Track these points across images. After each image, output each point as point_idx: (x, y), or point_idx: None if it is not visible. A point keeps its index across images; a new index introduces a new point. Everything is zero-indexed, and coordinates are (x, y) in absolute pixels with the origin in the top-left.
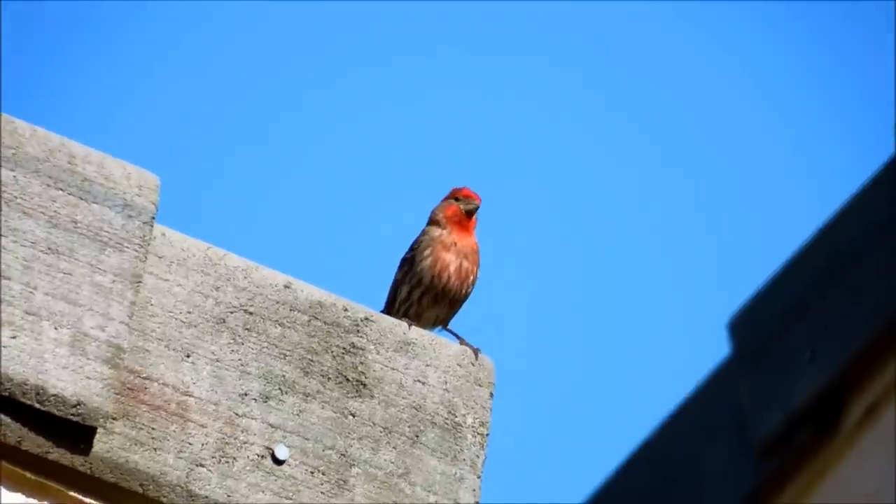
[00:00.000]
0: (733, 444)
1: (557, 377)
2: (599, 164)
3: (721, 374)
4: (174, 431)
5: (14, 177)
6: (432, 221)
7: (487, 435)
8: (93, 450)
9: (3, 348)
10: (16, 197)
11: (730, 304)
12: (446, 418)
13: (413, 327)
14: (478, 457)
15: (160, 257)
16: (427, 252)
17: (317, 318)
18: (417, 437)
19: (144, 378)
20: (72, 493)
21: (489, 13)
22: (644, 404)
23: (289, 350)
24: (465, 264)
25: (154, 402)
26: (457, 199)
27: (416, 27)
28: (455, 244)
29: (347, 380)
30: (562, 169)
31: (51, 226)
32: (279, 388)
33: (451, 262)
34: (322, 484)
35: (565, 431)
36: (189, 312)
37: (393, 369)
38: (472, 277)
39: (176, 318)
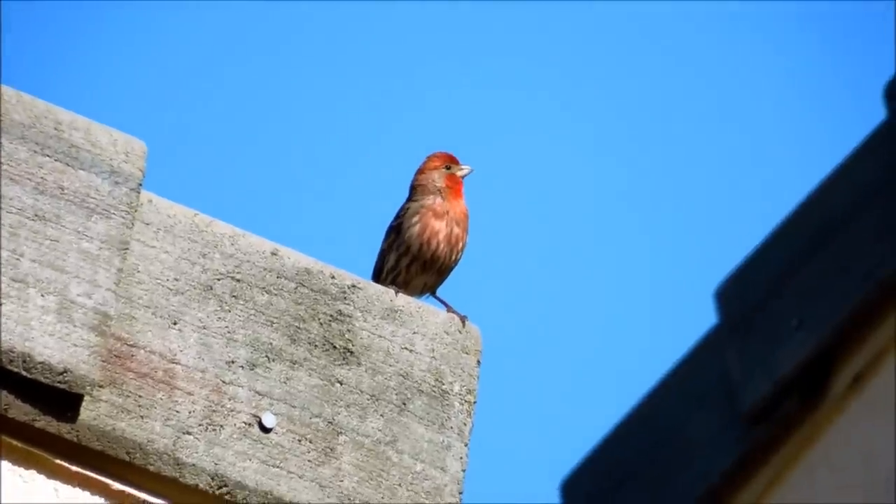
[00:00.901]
0: (721, 413)
1: (545, 345)
2: (587, 129)
3: (708, 343)
4: (161, 399)
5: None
6: (421, 189)
7: (474, 403)
8: (79, 417)
9: None
10: (2, 163)
11: (717, 272)
12: (433, 386)
13: (400, 295)
14: (465, 424)
15: (147, 224)
16: (415, 219)
17: (304, 286)
18: (404, 404)
19: (131, 345)
20: (58, 461)
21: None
22: (632, 373)
23: (276, 317)
24: (456, 230)
25: (141, 369)
26: (448, 168)
27: (406, 7)
28: (448, 212)
29: (335, 347)
30: (548, 133)
31: (37, 192)
32: (266, 356)
33: (440, 229)
34: (309, 452)
35: (553, 399)
36: (176, 279)
37: (380, 337)
38: (461, 244)
39: (163, 286)
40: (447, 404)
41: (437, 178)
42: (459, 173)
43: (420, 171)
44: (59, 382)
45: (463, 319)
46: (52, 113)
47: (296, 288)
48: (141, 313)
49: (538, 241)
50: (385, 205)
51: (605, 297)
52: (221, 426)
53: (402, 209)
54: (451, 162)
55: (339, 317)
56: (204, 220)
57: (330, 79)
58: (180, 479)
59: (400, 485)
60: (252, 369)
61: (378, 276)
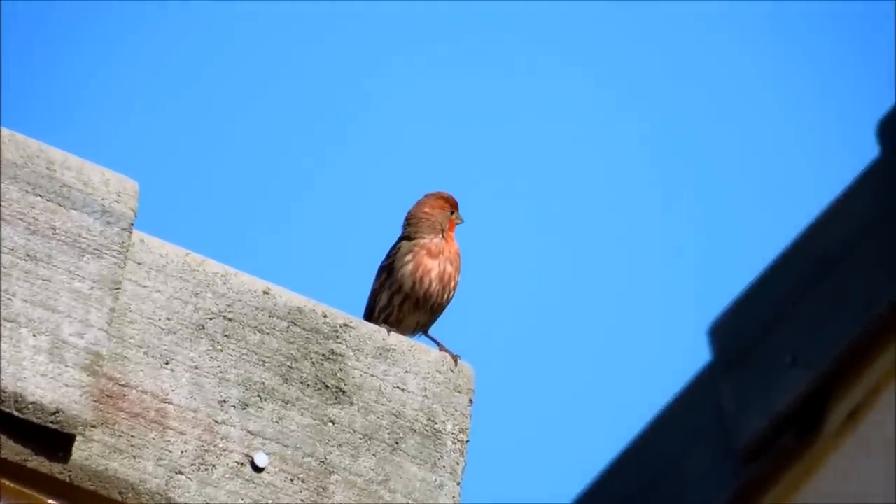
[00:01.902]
0: (716, 449)
1: (537, 384)
2: (580, 167)
3: (703, 380)
4: (153, 439)
5: None
6: (423, 224)
7: (467, 442)
8: (72, 457)
9: None
10: None
11: (711, 309)
12: (426, 425)
13: (392, 333)
14: (458, 464)
15: (139, 263)
16: (408, 258)
17: (296, 325)
18: (397, 443)
19: (123, 385)
20: (50, 501)
21: (473, 21)
22: (626, 410)
23: (268, 357)
24: (449, 269)
25: (133, 409)
26: (452, 213)
27: (397, 33)
28: (442, 251)
29: (327, 386)
30: (542, 172)
31: (29, 232)
32: (258, 395)
33: (433, 267)
34: (301, 491)
35: (546, 438)
36: (168, 319)
37: (372, 376)
38: (453, 283)
39: (155, 325)
40: (440, 443)
41: (443, 219)
42: (457, 221)
43: (425, 205)
44: (51, 422)
45: (455, 358)
46: (44, 152)
47: (288, 327)
48: (133, 353)
49: (529, 280)
50: (376, 243)
51: (599, 334)
52: (214, 466)
53: (393, 248)
54: (455, 208)
55: (331, 356)
56: (196, 260)
57: (320, 120)
58: None
59: None
60: (244, 409)
61: (370, 316)
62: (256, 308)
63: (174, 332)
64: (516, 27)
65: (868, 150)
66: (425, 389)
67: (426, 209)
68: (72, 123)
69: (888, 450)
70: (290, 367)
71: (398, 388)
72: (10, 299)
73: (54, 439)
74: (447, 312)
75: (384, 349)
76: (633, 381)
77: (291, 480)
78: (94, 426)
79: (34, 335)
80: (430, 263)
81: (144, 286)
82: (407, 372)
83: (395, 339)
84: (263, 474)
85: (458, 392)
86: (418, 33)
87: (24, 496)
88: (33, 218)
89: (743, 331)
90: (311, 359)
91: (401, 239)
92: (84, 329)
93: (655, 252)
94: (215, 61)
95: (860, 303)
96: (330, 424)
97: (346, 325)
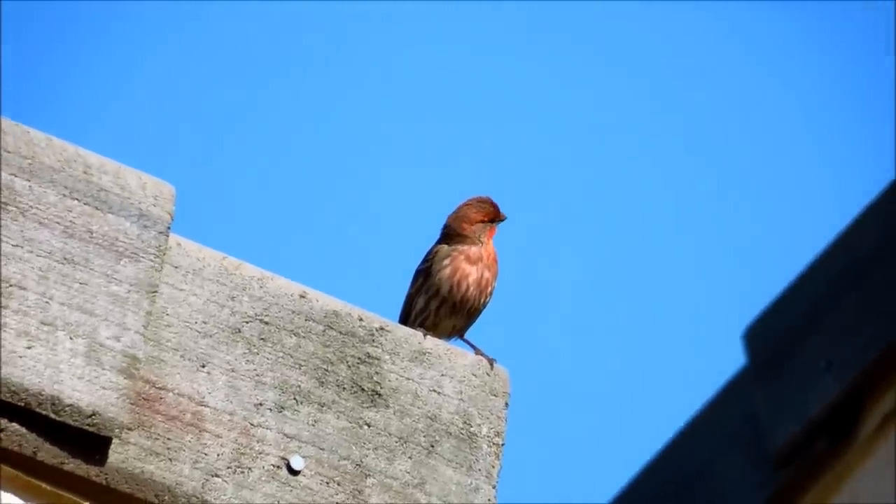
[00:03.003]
0: (749, 454)
1: (573, 387)
2: (617, 171)
3: (736, 384)
4: (189, 442)
5: (29, 187)
6: (461, 238)
7: (503, 445)
8: (108, 460)
9: (19, 358)
10: (31, 207)
11: (745, 314)
12: (461, 428)
13: (428, 337)
14: (493, 467)
15: (176, 267)
16: (446, 262)
17: (332, 328)
18: (433, 447)
19: (160, 388)
20: None
21: (504, 20)
22: (660, 414)
23: (304, 360)
24: (486, 274)
25: (169, 412)
26: (492, 222)
27: (427, 35)
28: (481, 258)
29: (363, 390)
30: (579, 175)
31: (66, 236)
32: (294, 398)
33: (470, 272)
34: (337, 494)
35: (580, 441)
36: (204, 322)
37: (408, 379)
38: (490, 288)
39: (191, 328)
40: (475, 447)
41: (481, 231)
42: (499, 221)
43: (463, 219)
44: (87, 425)
45: (491, 362)
46: (81, 157)
47: (324, 330)
48: (169, 356)
49: (565, 283)
50: (412, 247)
51: (634, 339)
52: (250, 469)
53: (430, 252)
54: (496, 216)
55: (367, 359)
56: (233, 263)
57: (357, 122)
58: None
59: None
60: (280, 412)
61: (406, 320)
62: (293, 311)
63: (210, 336)
64: (547, 26)
65: None
66: (461, 393)
67: (465, 224)
68: (108, 128)
69: None
70: (326, 371)
71: (434, 391)
72: (47, 302)
73: (91, 442)
74: (483, 316)
75: (420, 353)
76: (668, 384)
77: (327, 483)
78: (130, 429)
79: (71, 338)
80: (468, 268)
81: (181, 289)
82: (443, 375)
83: (431, 342)
84: (299, 477)
85: (494, 395)
86: (453, 30)
87: (61, 499)
88: (70, 221)
89: (777, 336)
90: (347, 362)
91: (438, 242)
92: (121, 332)
93: (692, 256)
94: (253, 63)
95: (894, 309)
96: (366, 427)
97: (382, 328)
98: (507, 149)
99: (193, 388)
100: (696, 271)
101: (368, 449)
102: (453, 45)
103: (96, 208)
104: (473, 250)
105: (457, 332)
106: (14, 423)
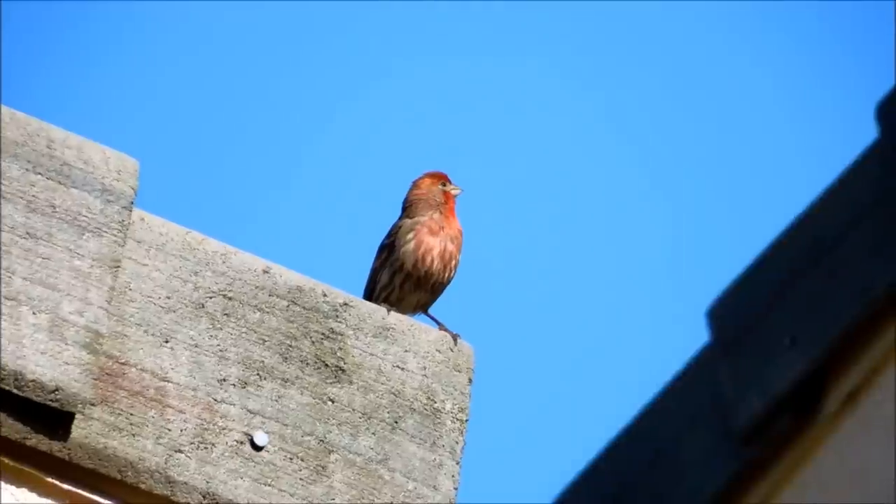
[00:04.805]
0: (713, 432)
1: (536, 363)
2: (579, 145)
3: (701, 362)
4: (153, 417)
5: None
6: (421, 204)
7: (466, 421)
8: (71, 436)
9: None
10: None
11: (709, 290)
12: (425, 404)
13: (392, 312)
14: (457, 443)
15: (139, 242)
16: (410, 236)
17: (296, 304)
18: (396, 423)
19: (123, 363)
20: (49, 479)
21: (482, 9)
22: (624, 391)
23: (267, 335)
24: (450, 247)
25: (132, 387)
26: (444, 185)
27: (396, 12)
28: (443, 228)
29: (326, 365)
30: (542, 149)
31: (29, 210)
32: (258, 374)
33: (434, 245)
34: (301, 470)
35: (544, 417)
36: (168, 297)
37: (372, 355)
38: (454, 262)
39: (154, 304)
40: (439, 423)
41: (437, 194)
42: (453, 192)
43: (417, 187)
44: (50, 400)
45: (455, 337)
46: (44, 131)
47: (288, 306)
48: (133, 331)
49: (530, 260)
50: (376, 221)
51: (598, 316)
52: (213, 444)
53: (394, 227)
54: (445, 181)
55: (330, 335)
56: (196, 238)
57: (320, 95)
58: (172, 498)
59: (392, 503)
60: (244, 387)
61: (370, 295)
62: (256, 287)
63: (174, 311)
64: (519, 16)
65: (867, 132)
66: (425, 368)
67: (416, 190)
68: (72, 102)
69: (888, 431)
70: (290, 346)
71: (398, 367)
72: (9, 277)
73: (54, 417)
74: (447, 292)
75: (384, 328)
76: (632, 361)
77: (291, 459)
78: (93, 404)
79: (34, 313)
80: (431, 241)
81: (144, 264)
82: (406, 351)
83: (395, 318)
84: (263, 453)
85: (458, 371)
86: (424, 16)
87: (23, 474)
88: (33, 196)
89: (741, 312)
90: (311, 338)
91: (401, 219)
92: (84, 307)
93: (655, 233)
94: (214, 38)
95: (858, 284)
96: (329, 403)
97: (345, 304)
98: (472, 124)
99: (157, 364)
100: (660, 248)
101: (332, 425)
102: (426, 21)
103: (59, 183)
104: (435, 218)
105: (421, 308)
106: None
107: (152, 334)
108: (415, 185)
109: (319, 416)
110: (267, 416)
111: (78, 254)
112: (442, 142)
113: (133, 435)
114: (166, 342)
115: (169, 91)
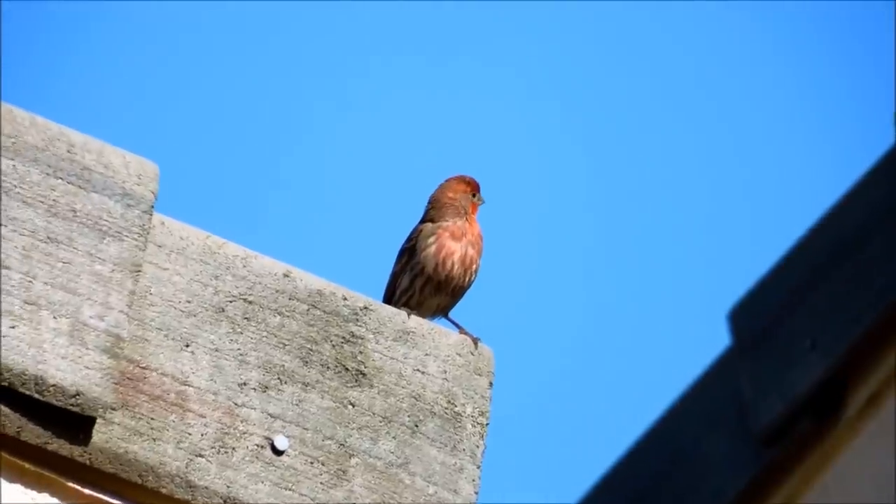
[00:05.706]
0: (734, 434)
1: (558, 366)
2: (602, 150)
3: (722, 364)
4: (173, 421)
5: (13, 165)
6: (446, 208)
7: (487, 424)
8: (92, 440)
9: (2, 338)
10: (15, 186)
11: (730, 294)
12: (446, 408)
13: (412, 316)
14: (477, 447)
15: (159, 246)
16: (431, 240)
17: (316, 307)
18: (417, 426)
19: (143, 368)
20: (70, 484)
21: (490, 5)
22: (645, 394)
23: (288, 339)
24: (471, 252)
25: (153, 391)
26: (474, 196)
27: (416, 17)
28: (465, 234)
29: (346, 369)
30: (563, 153)
31: (50, 215)
32: (278, 378)
33: (455, 249)
34: (321, 474)
35: (566, 421)
36: (188, 301)
37: (392, 359)
38: (475, 266)
39: (175, 308)
40: (459, 426)
41: (465, 202)
42: (479, 203)
43: (448, 189)
44: (71, 405)
45: (475, 341)
46: (65, 135)
47: (308, 310)
48: (153, 335)
49: (550, 263)
50: (396, 225)
51: (619, 318)
52: (234, 448)
53: (415, 230)
54: (476, 191)
55: (351, 339)
56: (216, 242)
57: (342, 102)
58: (192, 502)
59: None
60: (264, 391)
61: (390, 299)
62: (276, 291)
63: (194, 315)
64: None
65: (885, 138)
66: (445, 372)
67: (450, 194)
68: (92, 107)
69: None
70: (310, 350)
71: (418, 370)
72: (30, 282)
73: (75, 422)
74: (468, 295)
75: (404, 332)
76: (653, 364)
77: (311, 463)
78: (114, 409)
79: (54, 318)
80: (453, 246)
81: (165, 269)
82: (427, 355)
83: (415, 322)
84: (283, 457)
85: (478, 375)
86: (442, 13)
87: (44, 479)
88: (54, 200)
89: (762, 315)
90: (332, 341)
91: (423, 221)
92: (104, 311)
93: (676, 236)
94: (235, 41)
95: (878, 287)
96: (350, 407)
97: (366, 307)
98: (494, 129)
99: (177, 368)
100: (682, 251)
101: (352, 429)
102: (443, 25)
103: (80, 187)
104: (458, 224)
105: (441, 311)
106: None
107: (173, 338)
108: (447, 187)
109: (340, 420)
110: (287, 420)
111: (98, 258)
112: (462, 144)
113: (154, 439)
114: (187, 346)
115: (189, 95)
